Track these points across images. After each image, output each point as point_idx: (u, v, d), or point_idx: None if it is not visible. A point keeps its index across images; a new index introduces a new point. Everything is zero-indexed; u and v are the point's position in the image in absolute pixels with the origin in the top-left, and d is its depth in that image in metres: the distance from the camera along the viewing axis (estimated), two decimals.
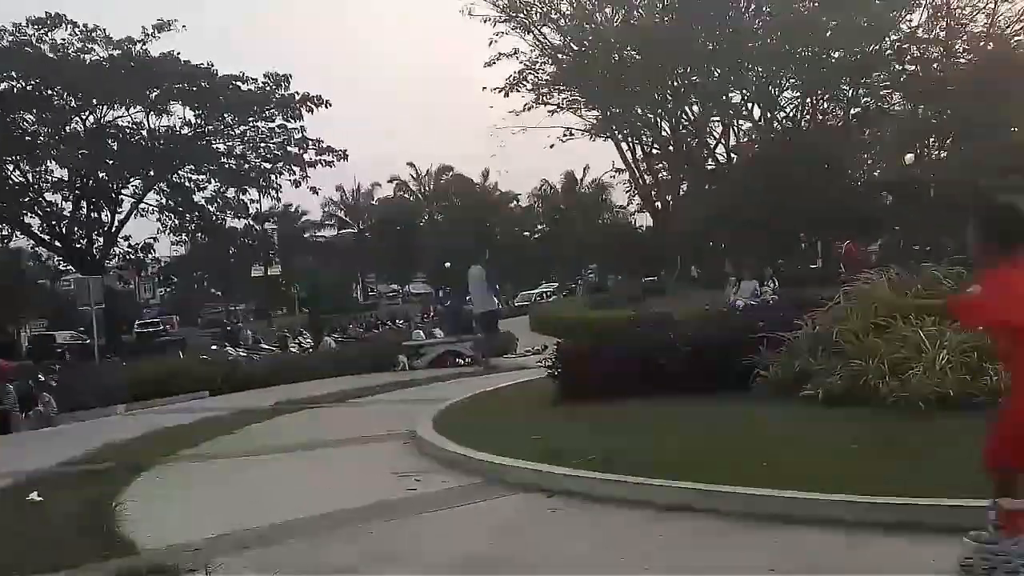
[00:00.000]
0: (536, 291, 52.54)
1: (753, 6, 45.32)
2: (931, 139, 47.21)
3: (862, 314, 8.62)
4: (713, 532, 5.17)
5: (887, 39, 43.08)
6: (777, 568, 4.49)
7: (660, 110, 46.99)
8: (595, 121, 47.56)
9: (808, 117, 47.65)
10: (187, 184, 41.04)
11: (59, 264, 41.41)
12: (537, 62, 47.56)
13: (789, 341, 8.89)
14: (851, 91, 45.38)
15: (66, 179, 38.42)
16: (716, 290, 24.19)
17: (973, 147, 33.96)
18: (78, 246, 39.37)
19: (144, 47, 37.69)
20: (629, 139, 48.44)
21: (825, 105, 47.69)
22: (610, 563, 4.80)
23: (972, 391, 6.99)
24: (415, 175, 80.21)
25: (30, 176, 38.16)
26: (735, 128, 49.88)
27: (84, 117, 38.29)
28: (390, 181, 79.55)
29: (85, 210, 39.50)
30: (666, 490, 5.77)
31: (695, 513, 5.48)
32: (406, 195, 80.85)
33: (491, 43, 55.69)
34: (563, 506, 6.04)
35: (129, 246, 41.90)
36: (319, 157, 41.07)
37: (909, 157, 40.05)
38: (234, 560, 5.27)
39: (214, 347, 28.62)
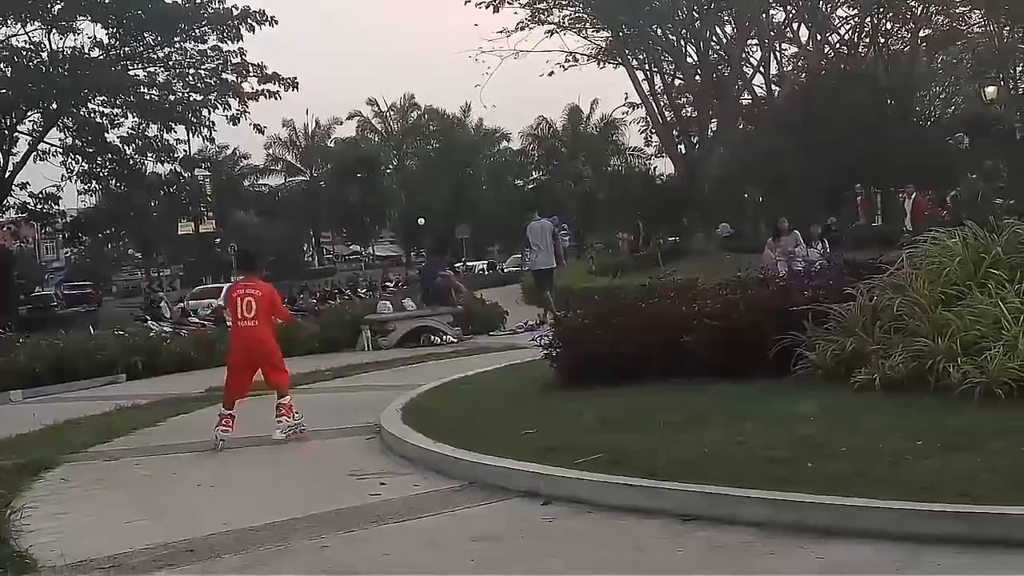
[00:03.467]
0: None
1: None
2: (1018, 68, 47.23)
3: (930, 282, 8.65)
4: (743, 546, 5.20)
5: None
6: None
7: (685, 30, 46.76)
8: (604, 44, 47.26)
9: (867, 41, 47.53)
10: (98, 120, 40.68)
11: None
12: None
13: (840, 315, 8.92)
14: (920, 8, 45.20)
15: None
16: (751, 253, 24.20)
17: None
18: None
19: None
20: (646, 66, 48.16)
21: (888, 26, 47.54)
22: None
23: None
24: (379, 111, 79.82)
25: None
26: (777, 54, 49.72)
27: None
28: (349, 118, 79.16)
29: None
30: (687, 496, 5.80)
31: (721, 524, 5.51)
32: (370, 135, 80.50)
33: None
34: (561, 515, 6.08)
35: (28, 195, 41.65)
36: (262, 87, 40.77)
37: (991, 90, 40.06)
38: None
39: (137, 321, 28.58)
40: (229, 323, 12.97)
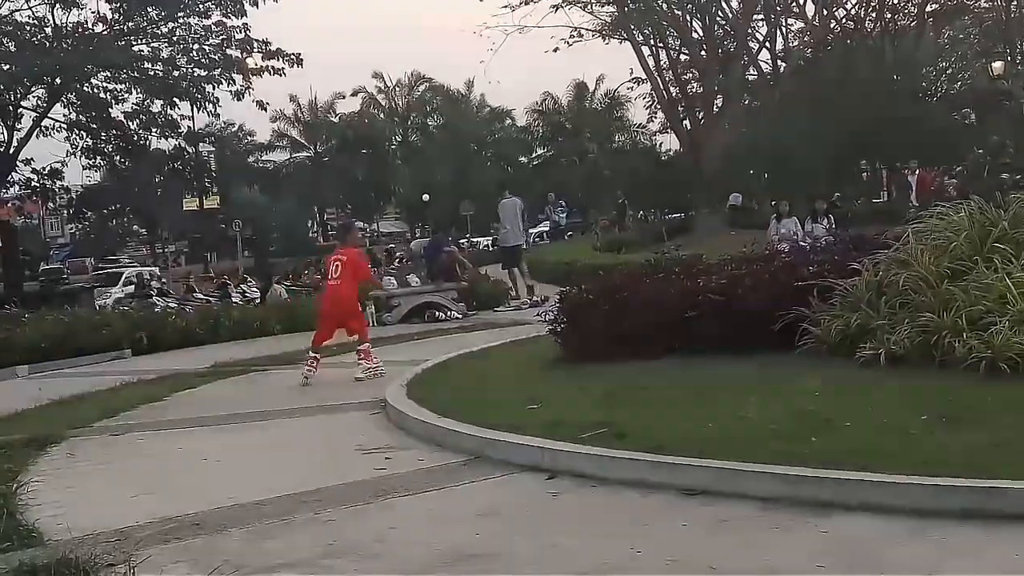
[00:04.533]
0: (535, 230, 52.53)
1: None
2: None
3: (936, 257, 8.63)
4: (748, 520, 5.21)
5: None
6: (827, 565, 4.53)
7: (690, 4, 46.49)
8: (609, 19, 47.04)
9: (874, 16, 47.26)
10: (102, 95, 40.58)
11: None
12: None
13: (845, 290, 8.91)
14: None
15: None
16: (757, 229, 24.20)
17: None
18: None
19: None
20: (651, 42, 47.93)
21: (895, 1, 47.26)
22: (623, 559, 4.83)
23: None
24: (385, 87, 79.56)
25: None
26: (783, 29, 49.45)
27: None
28: (354, 94, 78.85)
29: None
30: (691, 470, 5.81)
31: (726, 498, 5.52)
32: (375, 111, 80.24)
33: None
34: (566, 489, 6.09)
35: (32, 171, 41.62)
36: (267, 63, 40.57)
37: (997, 66, 39.84)
38: (164, 552, 5.30)
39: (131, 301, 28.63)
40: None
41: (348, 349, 12.87)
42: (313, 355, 11.95)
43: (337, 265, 12.29)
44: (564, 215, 53.31)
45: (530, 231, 45.36)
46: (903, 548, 4.66)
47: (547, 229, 51.41)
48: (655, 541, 5.07)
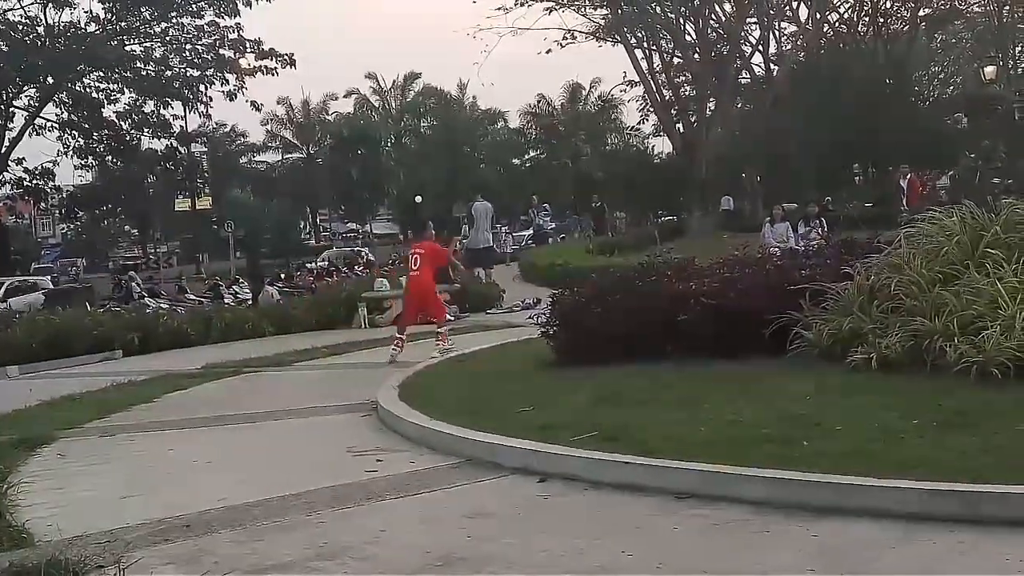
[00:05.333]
0: (518, 234, 52.48)
1: None
2: (1018, 48, 47.14)
3: (928, 262, 8.65)
4: (738, 524, 5.22)
5: None
6: (818, 569, 4.54)
7: (683, 8, 46.58)
8: (602, 21, 47.10)
9: (867, 20, 47.38)
10: (94, 95, 40.58)
11: None
12: None
13: (837, 294, 8.92)
14: None
15: None
16: (749, 232, 24.25)
17: None
18: None
19: None
20: (645, 44, 48.01)
21: (887, 5, 47.39)
22: (614, 562, 4.83)
23: None
24: (378, 87, 79.49)
25: None
26: (776, 32, 49.55)
27: None
28: (347, 95, 78.79)
29: None
30: (682, 474, 5.82)
31: (717, 501, 5.53)
32: (368, 112, 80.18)
33: None
34: (558, 492, 6.10)
35: (24, 171, 41.53)
36: (259, 63, 40.66)
37: (990, 70, 39.94)
38: (154, 555, 5.28)
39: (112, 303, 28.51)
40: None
41: (337, 352, 12.83)
42: (399, 336, 13.23)
43: (416, 258, 13.87)
44: (548, 218, 53.24)
45: (512, 235, 45.48)
46: (894, 552, 4.67)
47: (530, 233, 51.28)
48: (646, 544, 5.07)
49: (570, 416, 7.42)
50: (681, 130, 48.07)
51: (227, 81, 40.81)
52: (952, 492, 4.99)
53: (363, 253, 49.48)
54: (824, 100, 38.17)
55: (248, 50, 40.41)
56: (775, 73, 47.30)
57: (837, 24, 48.58)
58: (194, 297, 31.13)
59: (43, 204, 51.51)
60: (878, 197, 35.68)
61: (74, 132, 40.89)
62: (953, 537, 4.74)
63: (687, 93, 50.57)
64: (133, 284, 33.22)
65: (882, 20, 47.01)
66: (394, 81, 79.11)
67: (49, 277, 42.27)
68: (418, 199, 66.60)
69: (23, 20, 38.67)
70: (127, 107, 41.03)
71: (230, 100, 41.24)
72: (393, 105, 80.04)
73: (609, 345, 9.64)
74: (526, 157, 76.62)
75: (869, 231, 12.74)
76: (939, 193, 26.99)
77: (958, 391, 6.96)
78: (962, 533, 4.76)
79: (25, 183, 42.25)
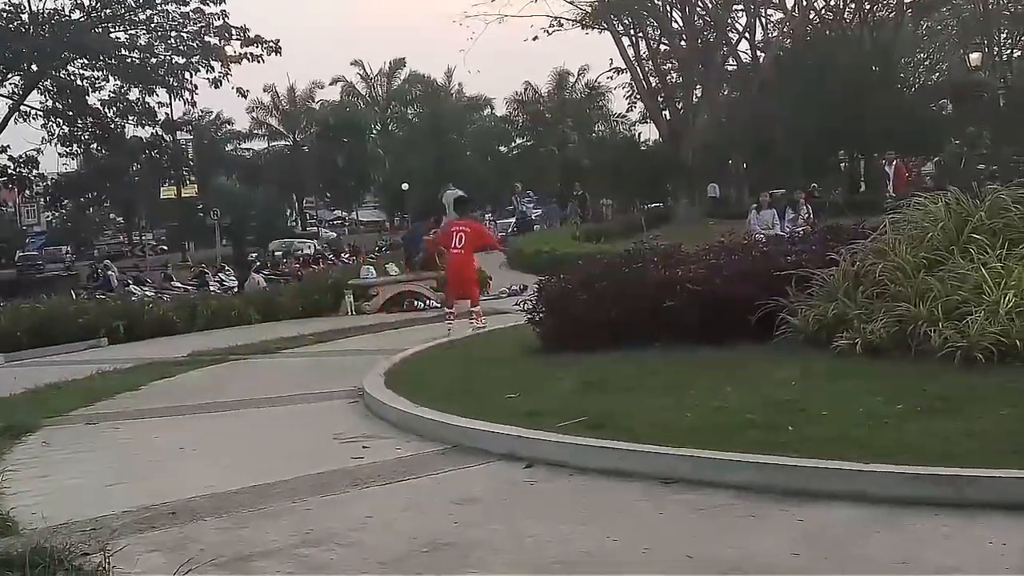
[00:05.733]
0: (503, 221, 52.46)
1: None
2: (1003, 35, 47.22)
3: (913, 247, 8.68)
4: (724, 509, 5.23)
5: None
6: (802, 553, 4.55)
7: None
8: (589, 8, 47.01)
9: (853, 7, 47.37)
10: (79, 82, 40.37)
11: None
12: None
13: (823, 280, 8.94)
14: None
15: None
16: (736, 219, 24.30)
17: None
18: None
19: None
20: (631, 31, 47.97)
21: None
22: (600, 547, 4.84)
23: None
24: (364, 74, 79.28)
25: None
26: (763, 19, 49.57)
27: None
28: (333, 83, 78.58)
29: None
30: (668, 459, 5.83)
31: (703, 486, 5.54)
32: (354, 99, 79.96)
33: None
34: (544, 478, 6.10)
35: (9, 158, 41.31)
36: (245, 50, 40.54)
37: (975, 57, 40.03)
38: (139, 542, 5.27)
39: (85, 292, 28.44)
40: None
41: (323, 339, 12.82)
42: (449, 311, 14.29)
43: (460, 236, 14.09)
44: (531, 205, 53.25)
45: (496, 222, 45.43)
46: (879, 536, 4.68)
47: (514, 220, 51.24)
48: (632, 529, 5.08)
49: (556, 402, 7.43)
50: (668, 117, 48.10)
51: (212, 68, 40.70)
52: (936, 476, 5.01)
53: (310, 245, 48.94)
54: (810, 87, 38.19)
55: (233, 37, 40.31)
56: (761, 60, 47.34)
57: (823, 11, 48.59)
58: (180, 285, 31.08)
59: (27, 192, 51.30)
60: (848, 184, 35.94)
61: (58, 120, 40.73)
62: (937, 521, 4.76)
63: (674, 80, 50.54)
64: (110, 273, 33.12)
65: (868, 7, 47.00)
66: (380, 68, 78.96)
67: None
68: (405, 187, 66.53)
69: (7, 7, 38.56)
70: (112, 95, 40.92)
71: (215, 87, 41.16)
72: (379, 92, 79.86)
73: (595, 331, 9.64)
74: (513, 144, 76.48)
75: (855, 217, 12.76)
76: (924, 179, 27.02)
77: (942, 376, 6.98)
78: (946, 517, 4.78)
79: (9, 171, 42.03)
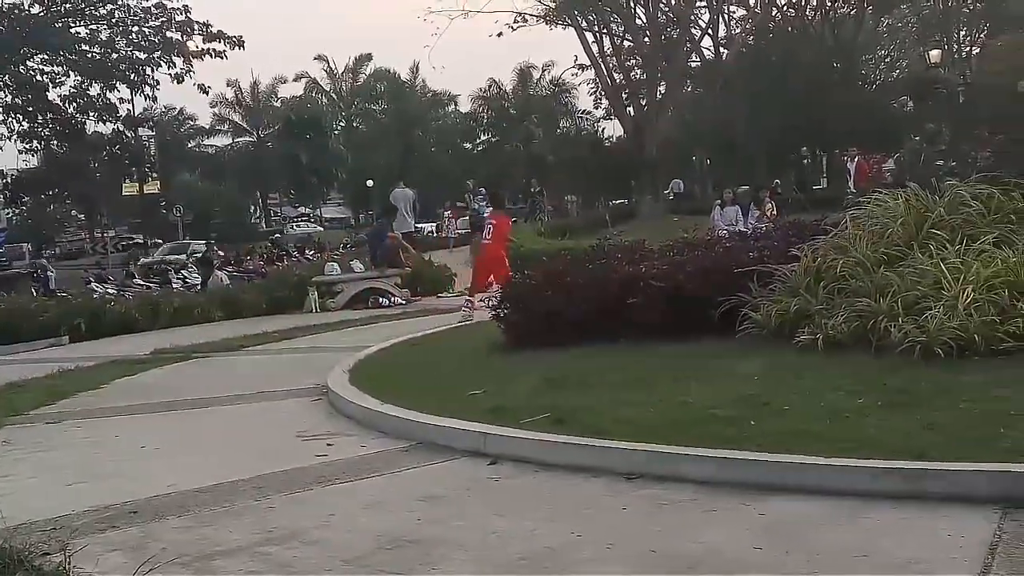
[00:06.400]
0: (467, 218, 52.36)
1: None
2: (962, 32, 47.72)
3: (873, 243, 8.75)
4: (687, 504, 5.25)
5: None
6: (764, 547, 4.58)
7: None
8: (553, 4, 47.06)
9: (814, 3, 47.74)
10: (39, 78, 39.91)
11: None
12: None
13: (784, 276, 8.99)
14: None
15: None
16: (700, 215, 24.43)
17: (1013, 42, 34.31)
18: None
19: None
20: (596, 28, 48.07)
21: None
22: (564, 541, 4.85)
23: (1000, 335, 7.14)
24: (329, 70, 78.99)
25: None
26: (726, 16, 49.85)
27: None
28: (297, 79, 78.25)
29: None
30: (631, 454, 5.85)
31: (666, 481, 5.57)
32: (318, 96, 79.66)
33: None
34: (508, 474, 6.11)
35: None
36: (207, 46, 40.16)
37: (935, 54, 40.41)
38: (101, 542, 5.23)
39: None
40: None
41: (288, 336, 12.73)
42: (469, 299, 14.83)
43: (490, 228, 15.61)
44: (485, 203, 53.21)
45: (456, 220, 45.28)
46: (840, 529, 4.72)
47: (468, 218, 51.08)
48: (596, 525, 5.09)
49: (521, 398, 7.44)
50: (632, 114, 48.20)
51: (174, 64, 40.33)
52: (896, 470, 5.06)
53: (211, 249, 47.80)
54: (773, 84, 38.52)
55: (196, 32, 39.94)
56: (724, 57, 47.59)
57: (785, 7, 48.93)
58: (142, 282, 30.82)
59: None
60: (800, 180, 36.19)
61: (18, 116, 40.25)
62: (896, 514, 4.80)
63: (637, 76, 50.69)
64: (49, 274, 32.75)
65: (829, 3, 47.39)
66: (346, 64, 78.70)
67: None
68: (370, 183, 66.39)
69: None
70: (72, 90, 40.47)
71: (178, 83, 40.75)
72: (344, 88, 79.60)
73: (560, 328, 9.66)
74: (478, 141, 76.52)
75: (816, 213, 12.85)
76: (885, 175, 27.23)
77: (903, 370, 7.03)
78: (905, 510, 4.82)
79: None
